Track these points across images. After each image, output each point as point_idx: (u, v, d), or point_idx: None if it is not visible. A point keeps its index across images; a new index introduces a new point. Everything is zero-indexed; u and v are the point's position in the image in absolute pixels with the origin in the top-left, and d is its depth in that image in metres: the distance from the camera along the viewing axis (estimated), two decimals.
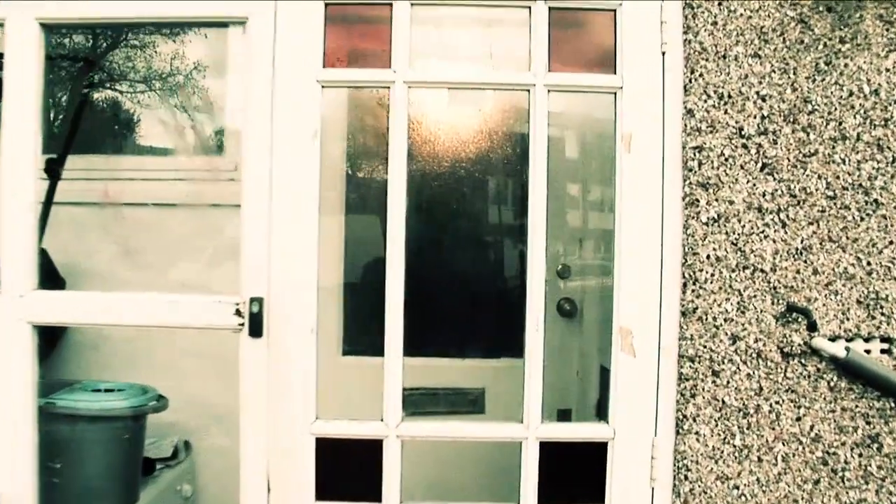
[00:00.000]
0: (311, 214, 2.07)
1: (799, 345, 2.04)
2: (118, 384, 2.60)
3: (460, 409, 3.25)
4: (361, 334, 3.08)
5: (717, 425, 2.06)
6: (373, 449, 2.11)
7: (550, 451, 2.12)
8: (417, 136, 3.13)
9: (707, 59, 2.05)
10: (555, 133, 2.22)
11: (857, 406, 2.05)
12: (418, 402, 3.17)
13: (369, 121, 3.26)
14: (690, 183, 2.05)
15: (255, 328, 2.04)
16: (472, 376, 3.26)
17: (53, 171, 2.93)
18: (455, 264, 3.35)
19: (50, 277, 2.85)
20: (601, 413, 3.15)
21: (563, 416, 3.19)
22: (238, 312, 2.04)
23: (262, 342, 2.05)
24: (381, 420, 2.09)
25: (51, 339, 3.04)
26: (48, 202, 2.93)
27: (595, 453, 2.12)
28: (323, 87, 2.09)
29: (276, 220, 2.06)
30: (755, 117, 2.05)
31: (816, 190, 2.05)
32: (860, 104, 2.05)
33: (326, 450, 2.13)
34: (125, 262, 3.08)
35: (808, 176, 2.05)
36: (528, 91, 2.09)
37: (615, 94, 2.09)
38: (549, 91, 2.08)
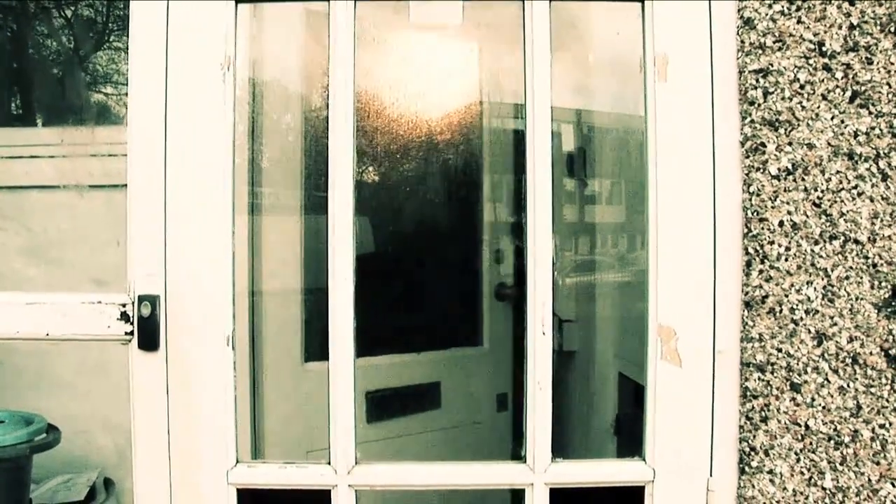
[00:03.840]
0: (221, 180, 1.48)
1: None
2: None
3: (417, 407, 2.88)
4: (325, 336, 2.51)
5: (798, 460, 1.47)
6: (321, 501, 1.53)
7: (565, 499, 1.53)
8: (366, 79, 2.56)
9: None
10: None
11: None
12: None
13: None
14: (752, 121, 1.46)
15: (148, 338, 1.47)
16: (427, 370, 2.91)
17: None
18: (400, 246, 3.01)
19: None
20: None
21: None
22: (125, 317, 1.47)
23: (157, 357, 1.48)
24: (328, 463, 1.50)
25: None
26: None
27: (628, 501, 1.54)
28: (237, 1, 1.50)
29: (174, 186, 1.47)
30: (840, 27, 1.46)
31: None
32: None
33: None
34: (31, 258, 2.49)
35: None
36: (523, 1, 1.50)
37: (642, 1, 1.50)
38: (551, 1, 1.50)
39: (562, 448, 1.55)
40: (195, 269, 1.47)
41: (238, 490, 1.50)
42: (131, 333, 1.47)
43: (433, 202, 3.07)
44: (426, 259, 2.99)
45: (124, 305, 1.47)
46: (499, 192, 3.16)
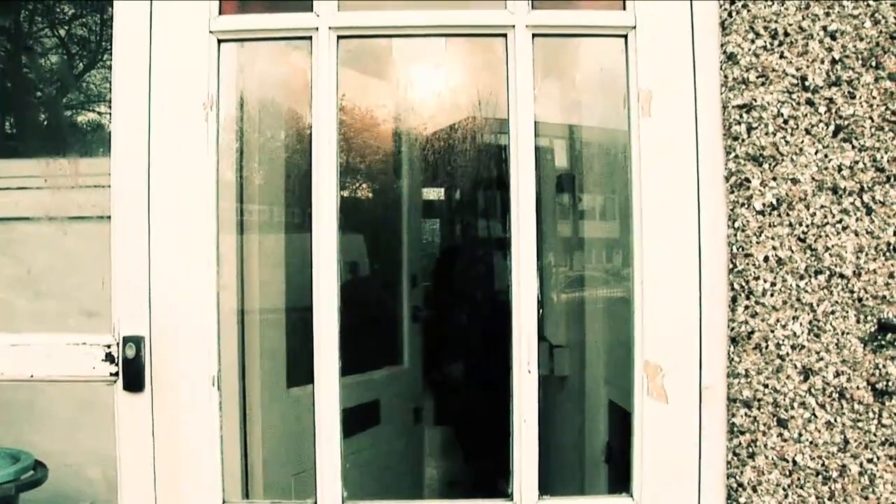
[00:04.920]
0: (205, 219, 1.48)
1: None
2: None
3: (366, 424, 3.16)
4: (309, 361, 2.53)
5: (786, 496, 1.46)
6: None
7: None
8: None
9: None
10: None
11: None
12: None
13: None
14: (737, 156, 1.46)
15: (134, 379, 1.46)
16: (370, 389, 3.19)
17: None
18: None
19: None
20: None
21: None
22: (110, 358, 1.46)
23: (143, 398, 1.47)
24: (314, 503, 1.49)
25: None
26: None
27: None
28: (220, 40, 1.51)
29: (158, 228, 1.47)
30: (823, 62, 1.46)
31: None
32: None
33: None
34: (20, 291, 2.48)
35: None
36: (505, 36, 1.51)
37: (625, 37, 1.51)
38: (533, 35, 1.50)
39: (553, 477, 1.54)
40: (180, 311, 1.46)
41: None
42: (116, 374, 1.46)
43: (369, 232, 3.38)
44: (361, 285, 3.41)
45: (109, 346, 1.46)
46: (418, 219, 3.38)
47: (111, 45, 1.53)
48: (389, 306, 3.38)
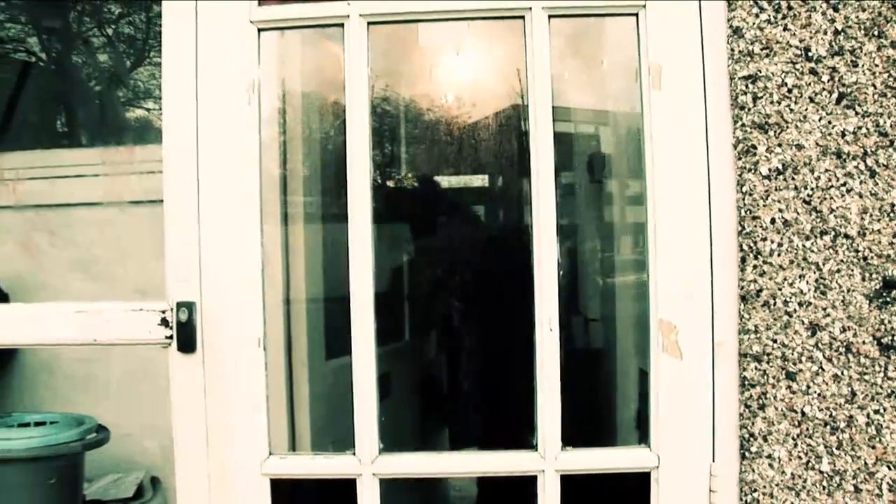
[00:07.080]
0: (250, 194, 1.61)
1: None
2: (51, 415, 2.18)
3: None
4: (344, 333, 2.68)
5: (796, 445, 1.54)
6: (348, 489, 1.64)
7: (575, 486, 1.62)
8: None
9: None
10: None
11: None
12: None
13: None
14: (743, 124, 1.55)
15: (186, 341, 1.60)
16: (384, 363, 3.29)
17: None
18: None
19: None
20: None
21: None
22: (165, 322, 1.60)
23: (195, 359, 1.61)
24: (353, 453, 1.62)
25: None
26: None
27: (634, 487, 1.62)
28: (260, 29, 1.63)
29: (207, 200, 1.60)
30: (825, 33, 1.54)
31: None
32: None
33: (288, 494, 1.67)
34: (78, 272, 2.66)
35: None
36: (524, 18, 1.61)
37: (636, 15, 1.60)
38: (549, 16, 1.60)
39: (586, 441, 1.64)
40: (227, 276, 1.60)
41: (271, 480, 1.62)
42: (171, 337, 1.60)
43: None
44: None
45: (164, 312, 1.60)
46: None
47: (158, 42, 1.67)
48: (395, 286, 3.49)
